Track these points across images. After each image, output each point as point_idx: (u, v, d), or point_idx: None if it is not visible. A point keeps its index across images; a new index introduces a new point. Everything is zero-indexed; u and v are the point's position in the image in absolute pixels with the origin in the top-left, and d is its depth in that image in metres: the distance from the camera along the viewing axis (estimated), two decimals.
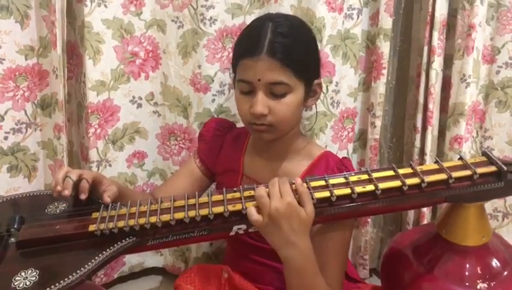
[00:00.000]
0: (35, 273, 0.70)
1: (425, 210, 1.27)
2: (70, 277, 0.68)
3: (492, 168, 0.77)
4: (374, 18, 1.22)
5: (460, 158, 0.80)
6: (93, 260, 0.72)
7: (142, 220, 0.76)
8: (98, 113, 1.19)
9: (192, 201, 0.79)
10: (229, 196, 0.79)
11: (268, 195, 0.74)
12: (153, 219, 0.76)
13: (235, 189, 0.80)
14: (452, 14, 1.20)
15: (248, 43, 0.88)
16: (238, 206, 0.76)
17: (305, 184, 0.77)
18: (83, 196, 0.82)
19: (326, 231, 0.85)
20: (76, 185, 0.83)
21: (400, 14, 1.26)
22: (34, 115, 1.17)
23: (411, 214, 1.31)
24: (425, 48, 1.19)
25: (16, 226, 0.79)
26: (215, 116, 1.24)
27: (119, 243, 0.75)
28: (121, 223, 0.76)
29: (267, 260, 0.96)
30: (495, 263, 0.81)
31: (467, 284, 0.78)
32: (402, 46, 1.30)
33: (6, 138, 1.14)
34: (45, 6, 1.10)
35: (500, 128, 1.27)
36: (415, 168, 0.78)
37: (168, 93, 1.26)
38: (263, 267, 0.97)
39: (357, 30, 1.21)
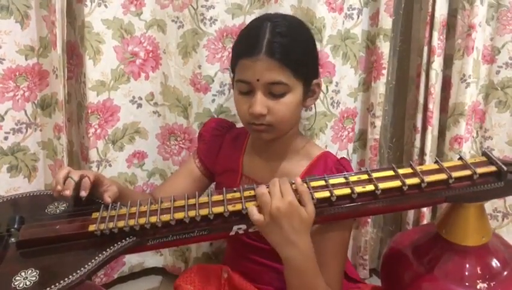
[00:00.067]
0: (35, 273, 0.70)
1: (425, 210, 1.27)
2: (70, 276, 0.68)
3: (492, 168, 0.77)
4: (374, 18, 1.22)
5: (460, 158, 0.80)
6: (93, 260, 0.72)
7: (142, 220, 0.76)
8: (98, 113, 1.19)
9: (192, 201, 0.79)
10: (229, 196, 0.79)
11: (269, 194, 0.74)
12: (153, 219, 0.76)
13: (235, 189, 0.80)
14: (452, 14, 1.20)
15: (247, 44, 0.88)
16: (238, 206, 0.76)
17: (305, 184, 0.77)
18: (84, 193, 0.82)
19: (325, 231, 0.85)
20: (78, 186, 0.83)
21: (400, 14, 1.26)
22: (34, 115, 1.17)
23: (411, 214, 1.31)
24: (425, 48, 1.19)
25: (16, 226, 0.79)
26: (215, 116, 1.24)
27: (119, 243, 0.75)
28: (121, 223, 0.76)
29: (266, 260, 0.96)
30: (495, 263, 0.81)
31: (467, 284, 0.78)
32: (402, 46, 1.30)
33: (6, 138, 1.14)
34: (45, 6, 1.10)
35: (500, 129, 1.27)
36: (415, 168, 0.78)
37: (168, 93, 1.26)
38: (263, 267, 0.97)
39: (357, 30, 1.21)
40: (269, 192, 0.74)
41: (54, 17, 1.07)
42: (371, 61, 1.26)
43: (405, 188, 0.75)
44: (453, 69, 1.20)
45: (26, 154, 1.18)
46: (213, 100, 1.24)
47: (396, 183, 0.76)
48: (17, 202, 0.89)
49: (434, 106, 1.21)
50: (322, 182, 0.78)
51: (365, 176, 0.78)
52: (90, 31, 1.13)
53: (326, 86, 1.21)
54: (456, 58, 1.19)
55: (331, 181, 0.78)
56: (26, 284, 0.68)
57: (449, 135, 1.24)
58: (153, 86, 1.26)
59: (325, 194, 0.76)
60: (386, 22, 1.19)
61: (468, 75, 1.18)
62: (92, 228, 0.76)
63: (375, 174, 0.78)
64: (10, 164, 1.16)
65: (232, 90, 1.20)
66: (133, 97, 1.25)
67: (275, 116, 0.87)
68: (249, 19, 1.17)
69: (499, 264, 0.80)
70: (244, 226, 0.77)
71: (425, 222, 1.27)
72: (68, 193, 0.80)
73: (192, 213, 0.76)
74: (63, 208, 0.85)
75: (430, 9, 1.16)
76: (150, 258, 1.38)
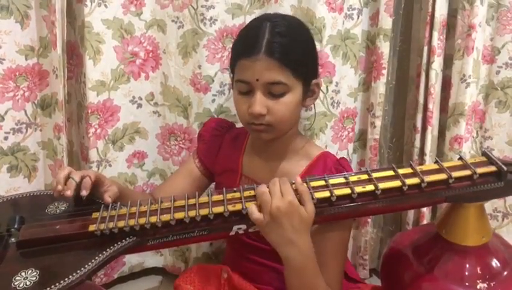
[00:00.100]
0: (35, 273, 0.70)
1: (425, 210, 1.27)
2: (70, 276, 0.68)
3: (492, 168, 0.77)
4: (374, 18, 1.22)
5: (460, 158, 0.80)
6: (93, 260, 0.72)
7: (142, 220, 0.76)
8: (98, 113, 1.19)
9: (192, 201, 0.79)
10: (229, 196, 0.79)
11: (270, 194, 0.74)
12: (153, 219, 0.76)
13: (235, 189, 0.80)
14: (452, 14, 1.20)
15: (246, 44, 0.88)
16: (238, 206, 0.76)
17: (305, 184, 0.77)
18: (85, 193, 0.82)
19: (325, 231, 0.85)
20: (78, 186, 0.83)
21: (400, 14, 1.26)
22: (34, 115, 1.17)
23: (411, 214, 1.31)
24: (425, 48, 1.19)
25: (16, 226, 0.79)
26: (215, 116, 1.24)
27: (119, 243, 0.75)
28: (121, 223, 0.76)
29: (266, 260, 0.96)
30: (495, 263, 0.81)
31: (467, 284, 0.78)
32: (402, 46, 1.30)
33: (6, 138, 1.14)
34: (45, 6, 1.10)
35: (500, 129, 1.28)
36: (415, 168, 0.78)
37: (168, 93, 1.26)
38: (262, 267, 0.97)
39: (357, 30, 1.21)
40: (269, 191, 0.74)
41: (54, 17, 1.07)
42: (371, 61, 1.26)
43: (405, 188, 0.75)
44: (453, 69, 1.20)
45: (26, 154, 1.18)
46: (213, 100, 1.24)
47: (396, 183, 0.76)
48: (17, 202, 0.89)
49: (434, 106, 1.21)
50: (322, 182, 0.78)
51: (365, 176, 0.78)
52: (90, 31, 1.13)
53: (326, 86, 1.21)
54: (456, 58, 1.19)
55: (331, 181, 0.78)
56: (26, 284, 0.68)
57: (449, 135, 1.24)
58: (153, 86, 1.26)
59: (325, 194, 0.76)
60: (386, 22, 1.19)
61: (468, 75, 1.18)
62: (92, 228, 0.76)
63: (375, 174, 0.78)
64: (10, 164, 1.16)
65: (232, 91, 1.21)
66: (133, 97, 1.25)
67: (274, 116, 0.87)
68: (249, 19, 1.17)
69: (499, 264, 0.80)
70: (244, 226, 0.78)
71: (425, 222, 1.27)
72: (69, 193, 0.80)
73: (192, 213, 0.76)
74: (63, 208, 0.85)
75: (430, 9, 1.16)
76: (150, 258, 1.38)
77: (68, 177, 0.83)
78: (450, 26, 1.21)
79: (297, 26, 0.92)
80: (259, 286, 0.96)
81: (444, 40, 1.19)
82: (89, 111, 1.17)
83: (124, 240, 0.75)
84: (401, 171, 0.78)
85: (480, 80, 1.25)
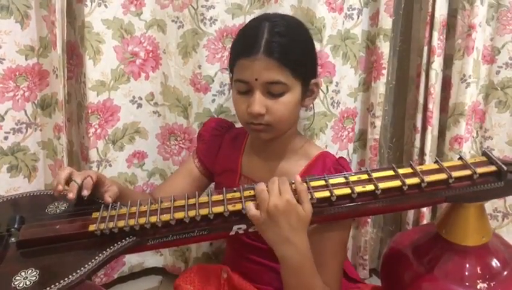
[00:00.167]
0: (35, 273, 0.70)
1: (425, 210, 1.27)
2: (70, 276, 0.68)
3: (492, 168, 0.77)
4: (374, 18, 1.22)
5: (460, 158, 0.80)
6: (93, 260, 0.72)
7: (142, 220, 0.76)
8: (98, 113, 1.19)
9: (192, 201, 0.79)
10: (229, 195, 0.79)
11: (268, 192, 0.74)
12: (153, 219, 0.76)
13: (235, 189, 0.80)
14: (452, 14, 1.20)
15: (245, 43, 0.88)
16: (238, 206, 0.76)
17: (304, 183, 0.77)
18: (86, 193, 0.82)
19: (324, 230, 0.85)
20: (79, 187, 0.83)
21: (400, 14, 1.27)
22: (34, 115, 1.17)
23: (411, 214, 1.31)
24: (425, 48, 1.19)
25: (16, 226, 0.79)
26: (215, 116, 1.24)
27: (119, 242, 0.75)
28: (121, 223, 0.76)
29: (266, 260, 0.95)
30: (495, 263, 0.81)
31: (467, 284, 0.78)
32: (402, 46, 1.30)
33: (6, 138, 1.14)
34: (45, 6, 1.10)
35: (500, 129, 1.28)
36: (415, 168, 0.78)
37: (168, 93, 1.26)
38: (262, 267, 0.97)
39: (357, 30, 1.21)
40: (268, 190, 0.75)
41: (54, 17, 1.07)
42: (371, 61, 1.26)
43: (405, 188, 0.75)
44: (453, 69, 1.20)
45: (26, 154, 1.18)
46: (213, 100, 1.24)
47: (396, 183, 0.76)
48: (17, 202, 0.89)
49: (434, 106, 1.21)
50: (322, 182, 0.78)
51: (365, 176, 0.78)
52: (90, 31, 1.13)
53: (327, 86, 1.21)
54: (456, 58, 1.19)
55: (331, 181, 0.78)
56: (26, 284, 0.68)
57: (449, 135, 1.24)
58: (153, 86, 1.26)
59: (325, 194, 0.76)
60: (386, 22, 1.19)
61: (468, 75, 1.18)
62: (92, 227, 0.76)
63: (375, 174, 0.78)
64: (10, 164, 1.16)
65: (231, 90, 1.21)
66: (133, 97, 1.25)
67: (273, 116, 0.87)
68: (249, 19, 1.17)
69: (499, 264, 0.80)
70: (244, 226, 0.77)
71: (425, 222, 1.27)
72: (72, 195, 0.80)
73: (192, 213, 0.76)
74: (63, 208, 0.85)
75: (430, 9, 1.16)
76: (150, 258, 1.38)
77: (69, 178, 0.83)
78: (450, 26, 1.21)
79: (297, 26, 0.92)
80: (259, 286, 0.96)
81: (444, 40, 1.19)
82: (89, 111, 1.17)
83: (124, 240, 0.75)
84: (401, 171, 0.78)
85: (480, 80, 1.25)
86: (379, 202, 0.76)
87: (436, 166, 0.79)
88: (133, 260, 1.36)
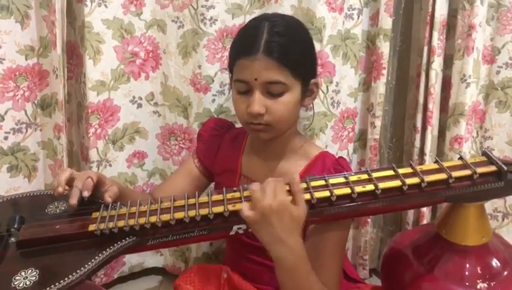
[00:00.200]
0: (35, 273, 0.70)
1: (425, 210, 1.27)
2: (70, 276, 0.68)
3: (493, 168, 0.77)
4: (374, 18, 1.22)
5: (461, 158, 0.80)
6: (93, 260, 0.72)
7: (142, 220, 0.76)
8: (98, 113, 1.19)
9: (192, 201, 0.79)
10: (229, 195, 0.78)
11: (263, 192, 0.73)
12: (153, 219, 0.76)
13: (234, 189, 0.80)
14: (452, 14, 1.20)
15: (245, 43, 0.88)
16: (238, 206, 0.76)
17: (300, 184, 0.76)
18: (86, 194, 0.81)
19: (323, 230, 0.85)
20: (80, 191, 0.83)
21: (400, 14, 1.27)
22: (34, 115, 1.17)
23: (411, 214, 1.31)
24: (425, 48, 1.19)
25: (16, 226, 0.79)
26: (215, 116, 1.24)
27: (119, 242, 0.75)
28: (121, 223, 0.76)
29: (266, 260, 0.95)
30: (495, 262, 0.80)
31: (467, 284, 0.78)
32: (402, 46, 1.30)
33: (6, 138, 1.14)
34: (45, 6, 1.10)
35: (500, 129, 1.28)
36: (415, 167, 0.78)
37: (168, 93, 1.26)
38: (262, 267, 0.97)
39: (357, 30, 1.21)
40: (263, 190, 0.74)
41: (54, 17, 1.07)
42: (371, 61, 1.26)
43: (405, 187, 0.75)
44: (453, 69, 1.20)
45: (26, 154, 1.18)
46: (213, 100, 1.24)
47: (397, 183, 0.76)
48: (17, 201, 0.89)
49: (434, 106, 1.21)
50: (322, 182, 0.78)
51: (365, 176, 0.78)
52: (90, 31, 1.13)
53: (327, 86, 1.21)
54: (456, 58, 1.19)
55: (331, 181, 0.78)
56: (26, 284, 0.68)
57: (449, 135, 1.24)
58: (153, 86, 1.26)
59: (325, 193, 0.76)
60: (386, 22, 1.19)
61: (468, 75, 1.18)
62: (92, 227, 0.76)
63: (375, 174, 0.78)
64: (10, 164, 1.16)
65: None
66: (133, 97, 1.25)
67: (272, 116, 0.87)
68: (249, 18, 1.17)
69: (499, 264, 0.80)
70: (244, 226, 0.77)
71: (425, 222, 1.27)
72: (74, 201, 0.80)
73: (192, 213, 0.76)
74: (63, 208, 0.85)
75: (430, 9, 1.16)
76: (150, 258, 1.38)
77: (69, 179, 0.83)
78: (450, 26, 1.21)
79: (296, 26, 0.92)
80: (259, 286, 0.96)
81: (444, 40, 1.20)
82: (89, 111, 1.17)
83: (123, 240, 0.75)
84: (401, 171, 0.78)
85: (480, 80, 1.25)
86: (379, 202, 0.76)
87: (436, 166, 0.79)
88: (133, 260, 1.36)
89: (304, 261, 0.76)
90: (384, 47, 1.20)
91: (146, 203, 0.80)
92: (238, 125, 1.06)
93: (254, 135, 0.95)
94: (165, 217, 0.76)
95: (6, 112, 1.13)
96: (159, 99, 1.28)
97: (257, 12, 1.18)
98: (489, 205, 1.32)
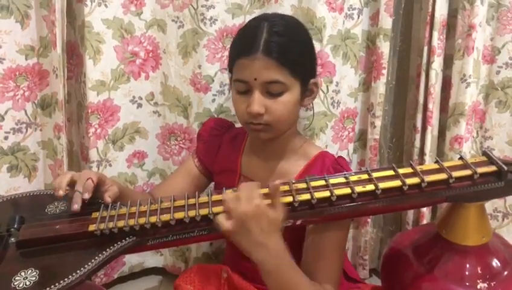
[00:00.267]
0: (35, 273, 0.70)
1: (425, 210, 1.27)
2: (70, 276, 0.68)
3: (493, 168, 0.77)
4: (374, 18, 1.22)
5: (461, 158, 0.80)
6: (93, 260, 0.72)
7: (142, 220, 0.76)
8: (98, 113, 1.19)
9: (192, 201, 0.79)
10: None
11: (237, 199, 0.72)
12: (153, 219, 0.76)
13: (235, 189, 0.80)
14: (452, 14, 1.20)
15: (244, 43, 0.89)
16: None
17: (304, 184, 0.76)
18: (87, 196, 0.81)
19: (323, 230, 0.85)
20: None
21: (400, 14, 1.26)
22: (34, 114, 1.17)
23: (411, 214, 1.31)
24: (425, 48, 1.19)
25: (16, 226, 0.79)
26: (215, 116, 1.24)
27: (119, 243, 0.75)
28: (120, 223, 0.76)
29: None
30: (495, 262, 0.81)
31: (467, 284, 0.78)
32: (402, 46, 1.30)
33: (6, 138, 1.14)
34: (45, 6, 1.10)
35: (500, 129, 1.27)
36: (415, 167, 0.78)
37: (168, 93, 1.26)
38: None
39: (357, 30, 1.21)
40: (236, 197, 0.73)
41: (54, 17, 1.07)
42: (371, 61, 1.25)
43: (405, 187, 0.75)
44: (453, 69, 1.20)
45: (26, 154, 1.18)
46: (213, 100, 1.24)
47: (397, 183, 0.76)
48: (17, 201, 0.89)
49: (434, 106, 1.21)
50: (322, 182, 0.78)
51: (365, 176, 0.78)
52: (90, 30, 1.13)
53: (327, 86, 1.21)
54: (456, 58, 1.19)
55: (332, 181, 0.78)
56: (26, 284, 0.68)
57: (449, 134, 1.24)
58: (153, 85, 1.26)
59: (325, 193, 0.76)
60: (386, 22, 1.19)
61: (468, 75, 1.18)
62: (92, 227, 0.76)
63: (375, 174, 0.78)
64: (10, 164, 1.16)
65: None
66: (133, 97, 1.25)
67: (272, 116, 0.87)
68: (249, 18, 1.17)
69: (499, 264, 0.80)
70: None
71: (425, 221, 1.27)
72: (76, 207, 0.79)
73: (192, 213, 0.76)
74: (63, 208, 0.85)
75: (430, 9, 1.16)
76: (150, 258, 1.38)
77: (70, 182, 0.82)
78: (450, 26, 1.21)
79: (295, 26, 0.92)
80: (259, 286, 0.96)
81: (444, 40, 1.19)
82: (89, 111, 1.17)
83: (123, 240, 0.75)
84: (401, 171, 0.78)
85: (480, 80, 1.25)
86: (379, 202, 0.76)
87: (436, 166, 0.79)
88: (133, 260, 1.36)
89: (286, 261, 0.75)
90: (384, 47, 1.20)
91: (146, 203, 0.80)
92: (238, 125, 1.06)
93: (254, 135, 0.95)
94: (165, 217, 0.76)
95: (6, 112, 1.13)
96: (159, 99, 1.27)
97: (257, 12, 1.18)
98: (489, 205, 1.32)
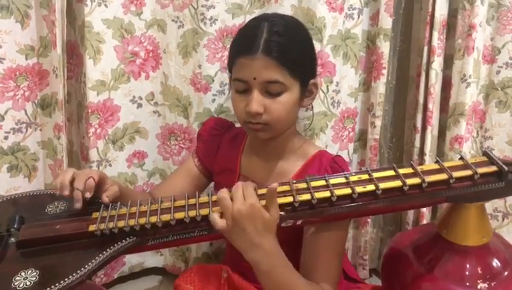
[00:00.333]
0: (35, 273, 0.70)
1: (425, 210, 1.27)
2: (70, 277, 0.68)
3: (493, 168, 0.77)
4: (374, 18, 1.22)
5: (461, 158, 0.80)
6: (93, 260, 0.72)
7: (142, 220, 0.76)
8: (98, 113, 1.19)
9: (192, 201, 0.79)
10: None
11: (232, 198, 0.72)
12: (153, 219, 0.76)
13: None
14: (452, 14, 1.20)
15: (244, 42, 0.89)
16: None
17: (304, 184, 0.76)
18: (88, 195, 0.81)
19: (322, 230, 0.85)
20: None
21: (400, 14, 1.26)
22: (34, 114, 1.17)
23: (411, 214, 1.31)
24: (425, 48, 1.19)
25: (16, 226, 0.79)
26: (216, 116, 1.24)
27: (119, 243, 0.75)
28: (121, 223, 0.76)
29: None
30: (495, 263, 0.81)
31: (467, 284, 0.78)
32: (402, 46, 1.30)
33: (6, 138, 1.14)
34: (45, 5, 1.10)
35: (501, 129, 1.28)
36: (416, 168, 0.78)
37: (168, 93, 1.26)
38: None
39: (357, 30, 1.21)
40: (232, 196, 0.73)
41: (54, 17, 1.07)
42: (371, 61, 1.25)
43: (406, 188, 0.75)
44: (453, 69, 1.20)
45: (26, 154, 1.18)
46: (213, 100, 1.24)
47: (397, 183, 0.76)
48: (17, 201, 0.89)
49: (434, 106, 1.21)
50: (323, 182, 0.78)
51: (366, 176, 0.78)
52: (91, 30, 1.13)
53: (327, 86, 1.21)
54: (456, 58, 1.19)
55: (332, 181, 0.78)
56: (26, 284, 0.68)
57: (449, 134, 1.24)
58: (153, 85, 1.26)
59: (326, 194, 0.76)
60: (386, 22, 1.19)
61: (468, 75, 1.18)
62: (92, 227, 0.76)
63: (375, 174, 0.78)
64: (10, 164, 1.16)
65: None
66: (133, 97, 1.25)
67: (271, 115, 0.87)
68: (249, 18, 1.17)
69: (499, 264, 0.80)
70: None
71: (425, 222, 1.27)
72: (79, 205, 0.80)
73: (192, 213, 0.76)
74: (63, 208, 0.85)
75: (430, 9, 1.16)
76: (150, 258, 1.38)
77: (72, 180, 0.82)
78: (450, 26, 1.21)
79: (295, 26, 0.92)
80: (258, 285, 0.95)
81: (444, 40, 1.19)
82: (89, 111, 1.17)
83: (124, 240, 0.75)
84: (401, 171, 0.78)
85: (480, 80, 1.25)
86: (380, 202, 0.76)
87: (436, 166, 0.79)
88: (133, 260, 1.36)
89: (281, 261, 0.75)
90: (385, 47, 1.20)
91: (146, 203, 0.80)
92: (238, 125, 1.05)
93: (252, 135, 0.95)
94: (166, 217, 0.76)
95: (6, 112, 1.13)
96: (159, 99, 1.27)
97: (257, 12, 1.18)
98: (489, 205, 1.32)
